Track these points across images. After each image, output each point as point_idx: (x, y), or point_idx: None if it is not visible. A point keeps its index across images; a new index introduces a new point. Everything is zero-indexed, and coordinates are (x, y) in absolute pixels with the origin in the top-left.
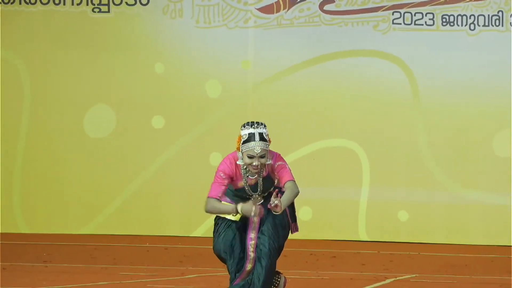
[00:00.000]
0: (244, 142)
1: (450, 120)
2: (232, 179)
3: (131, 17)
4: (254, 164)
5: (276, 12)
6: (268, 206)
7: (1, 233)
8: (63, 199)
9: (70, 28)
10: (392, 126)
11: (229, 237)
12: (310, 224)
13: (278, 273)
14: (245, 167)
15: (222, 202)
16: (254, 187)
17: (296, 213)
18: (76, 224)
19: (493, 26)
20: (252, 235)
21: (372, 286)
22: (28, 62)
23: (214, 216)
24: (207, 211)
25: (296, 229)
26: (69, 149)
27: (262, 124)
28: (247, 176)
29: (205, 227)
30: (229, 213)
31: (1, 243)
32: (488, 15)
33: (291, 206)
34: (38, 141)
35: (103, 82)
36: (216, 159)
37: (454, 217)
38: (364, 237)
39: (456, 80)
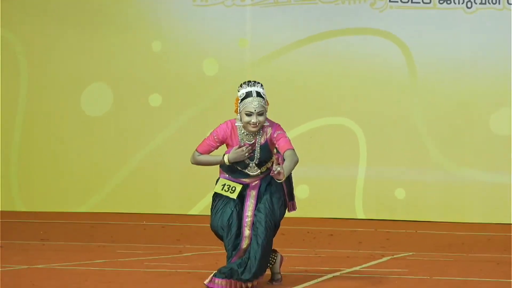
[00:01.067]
0: (242, 100)
1: (447, 98)
2: (225, 144)
3: None
4: (252, 121)
5: None
6: (271, 174)
7: None
8: (60, 178)
9: (67, 7)
10: (389, 104)
11: (227, 214)
12: (307, 202)
13: (275, 251)
14: (242, 131)
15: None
16: (251, 156)
17: (294, 192)
18: (74, 202)
19: (490, 4)
20: (248, 213)
21: (369, 264)
22: (25, 41)
23: (212, 193)
24: (193, 163)
25: (294, 208)
26: (67, 127)
27: (259, 83)
28: (244, 141)
29: (202, 205)
30: (216, 164)
31: None
32: None
33: (289, 185)
34: (35, 119)
35: (100, 61)
36: None
37: (451, 195)
38: (361, 215)
39: (453, 58)
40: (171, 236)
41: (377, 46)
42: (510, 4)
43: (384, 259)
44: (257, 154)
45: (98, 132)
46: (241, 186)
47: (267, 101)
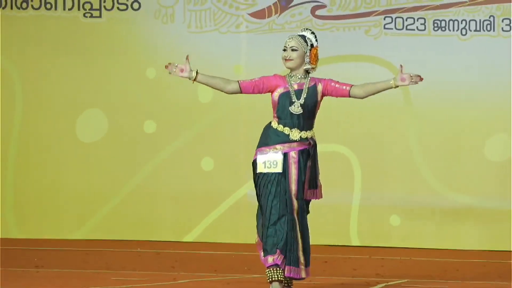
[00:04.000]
0: None
1: (442, 124)
2: (271, 85)
3: (122, 22)
4: (284, 55)
5: (268, 17)
6: (408, 81)
7: None
8: (55, 204)
9: (62, 33)
10: (384, 131)
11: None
12: None
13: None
14: (290, 74)
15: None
16: (298, 93)
17: (318, 181)
18: (68, 229)
19: (484, 31)
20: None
21: None
22: (19, 67)
23: (204, 221)
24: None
25: (317, 196)
26: (61, 153)
27: (313, 32)
28: (292, 82)
29: (197, 232)
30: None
31: None
32: (480, 20)
33: (314, 171)
34: (30, 145)
35: (95, 87)
36: (207, 164)
37: (445, 222)
38: (355, 242)
39: (448, 85)
40: (165, 263)
41: (372, 73)
42: (505, 31)
43: (379, 286)
44: (304, 94)
45: (93, 158)
46: (281, 158)
47: (313, 48)
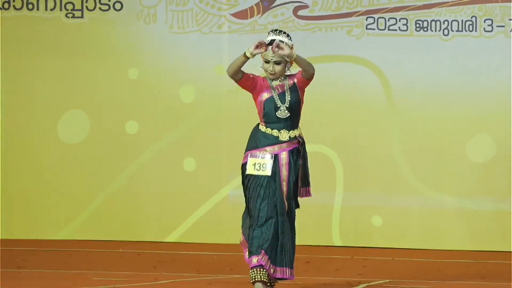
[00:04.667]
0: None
1: (424, 124)
2: (256, 86)
3: (104, 22)
4: (269, 69)
5: (250, 18)
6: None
7: None
8: (37, 205)
9: (44, 33)
10: (366, 131)
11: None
12: None
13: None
14: (269, 78)
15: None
16: (282, 96)
17: (309, 178)
18: (51, 229)
19: (466, 31)
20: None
21: None
22: (1, 67)
23: (186, 221)
24: (228, 72)
25: (308, 194)
26: (44, 155)
27: (285, 32)
28: (273, 84)
29: (179, 233)
30: (240, 61)
31: None
32: (462, 20)
33: (304, 168)
34: (12, 147)
35: (77, 88)
36: (190, 164)
37: (428, 222)
38: (337, 242)
39: (430, 85)
40: (147, 263)
41: (354, 73)
42: (487, 31)
43: (361, 286)
44: (287, 97)
45: (75, 159)
46: (271, 161)
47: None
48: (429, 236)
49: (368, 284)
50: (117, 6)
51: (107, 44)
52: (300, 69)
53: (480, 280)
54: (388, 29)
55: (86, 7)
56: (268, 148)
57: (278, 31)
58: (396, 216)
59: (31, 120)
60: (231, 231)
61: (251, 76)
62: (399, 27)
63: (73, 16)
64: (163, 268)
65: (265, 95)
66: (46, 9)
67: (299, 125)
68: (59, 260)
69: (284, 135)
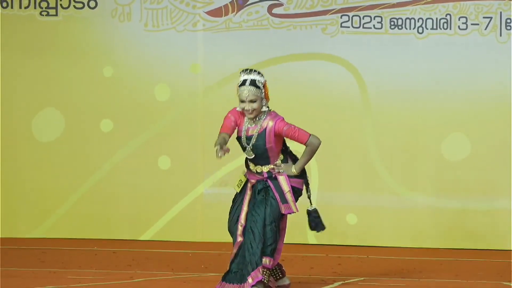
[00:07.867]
0: (238, 87)
1: (399, 123)
2: (237, 124)
3: (79, 20)
4: (245, 108)
5: (225, 16)
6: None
7: None
8: (11, 203)
9: (18, 31)
10: (340, 129)
11: (236, 218)
12: None
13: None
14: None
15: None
16: (248, 139)
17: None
18: (25, 228)
19: (441, 29)
20: (244, 207)
21: None
22: None
23: (160, 219)
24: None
25: (292, 209)
26: (17, 153)
27: (256, 71)
28: (247, 126)
29: (153, 231)
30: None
31: None
32: (436, 18)
33: (280, 190)
34: None
35: (51, 86)
36: (164, 162)
37: (402, 220)
38: (312, 240)
39: (405, 83)
40: (122, 261)
41: (329, 71)
42: (462, 29)
43: (336, 284)
44: (253, 140)
45: (49, 157)
46: (246, 179)
47: (265, 88)
48: (404, 235)
49: (343, 282)
50: (92, 4)
51: (82, 42)
52: (280, 117)
53: (455, 278)
54: (363, 27)
55: (61, 5)
56: (246, 172)
57: (249, 70)
58: (370, 215)
59: (5, 118)
60: (206, 229)
61: (232, 123)
62: (373, 25)
63: (48, 14)
64: (138, 266)
65: (239, 132)
66: (20, 7)
67: (277, 159)
68: (33, 258)
69: (253, 167)
